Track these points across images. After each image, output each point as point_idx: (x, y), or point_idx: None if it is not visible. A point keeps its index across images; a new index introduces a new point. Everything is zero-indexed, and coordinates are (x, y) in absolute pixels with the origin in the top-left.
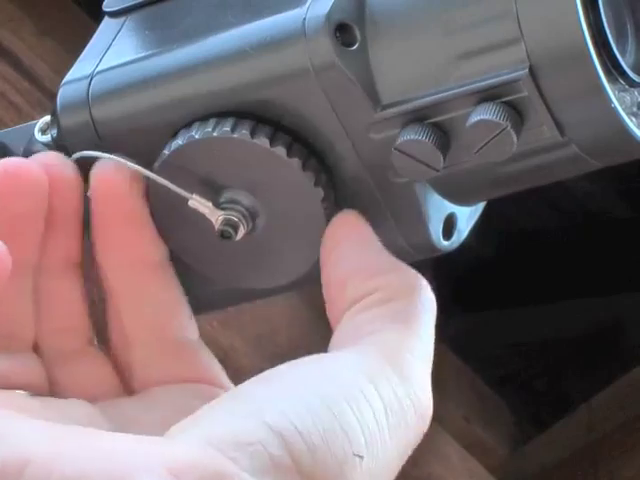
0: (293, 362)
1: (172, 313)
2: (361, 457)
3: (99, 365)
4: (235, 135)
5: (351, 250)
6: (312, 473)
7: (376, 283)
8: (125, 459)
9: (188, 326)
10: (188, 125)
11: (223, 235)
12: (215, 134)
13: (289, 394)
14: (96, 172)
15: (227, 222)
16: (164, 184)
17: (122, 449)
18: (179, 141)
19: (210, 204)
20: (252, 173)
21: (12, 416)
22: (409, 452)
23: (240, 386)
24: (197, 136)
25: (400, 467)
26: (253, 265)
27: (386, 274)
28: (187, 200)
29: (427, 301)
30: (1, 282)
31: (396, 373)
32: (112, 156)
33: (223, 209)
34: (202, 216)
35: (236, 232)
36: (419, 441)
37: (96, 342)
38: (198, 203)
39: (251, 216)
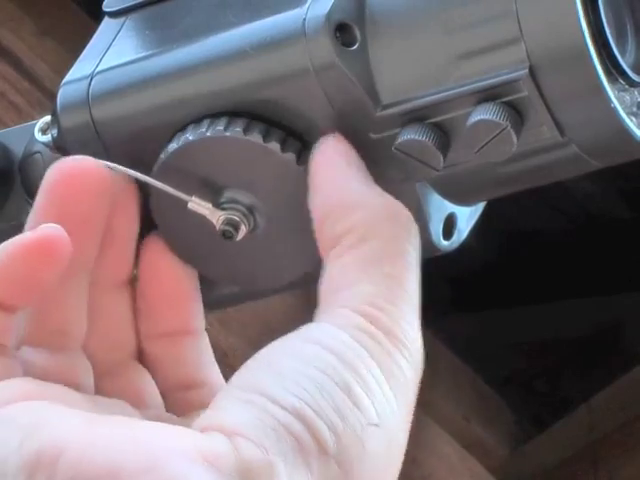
0: (283, 338)
1: (204, 373)
2: (376, 425)
3: (141, 379)
4: (228, 133)
5: (327, 182)
6: (336, 450)
7: (350, 222)
8: (158, 446)
9: (214, 373)
10: (183, 128)
11: (225, 235)
12: (209, 134)
13: (293, 373)
14: (145, 249)
15: (228, 222)
16: (163, 188)
17: (155, 437)
18: (174, 144)
19: (210, 205)
20: (251, 172)
21: (47, 406)
22: (412, 409)
23: (241, 373)
24: (191, 137)
25: (409, 425)
26: (256, 264)
27: (359, 209)
28: (187, 203)
29: (403, 238)
30: (61, 264)
31: (382, 331)
32: (108, 163)
33: (223, 209)
34: (203, 217)
35: (237, 231)
36: (417, 393)
37: None
38: (197, 205)
39: (252, 215)
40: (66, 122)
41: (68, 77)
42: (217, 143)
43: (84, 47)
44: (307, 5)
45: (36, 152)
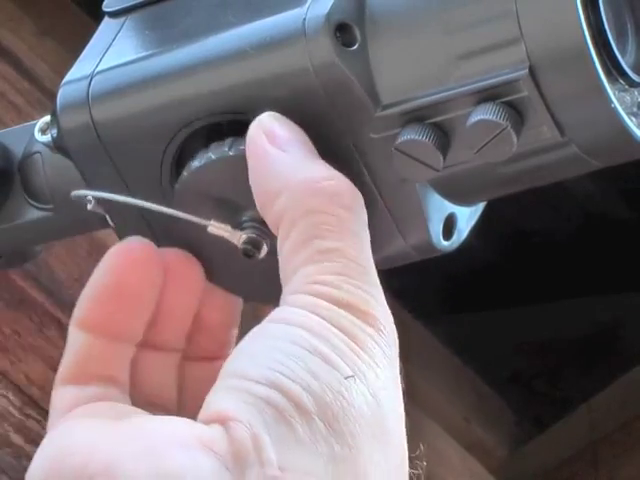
0: (254, 328)
1: None
2: (352, 377)
3: None
4: (232, 153)
5: (254, 170)
6: (317, 408)
7: (277, 208)
8: (156, 437)
9: None
10: (205, 146)
11: (246, 254)
12: (232, 153)
13: (265, 350)
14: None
15: (249, 241)
16: (181, 216)
17: (152, 429)
18: (196, 162)
19: (229, 227)
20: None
21: (68, 424)
22: (392, 365)
23: (223, 366)
24: (198, 163)
25: (397, 380)
26: (276, 281)
27: (282, 194)
28: (206, 227)
29: (332, 208)
30: (149, 269)
31: (331, 302)
32: (115, 195)
33: (243, 229)
34: (223, 238)
35: (259, 250)
36: (397, 350)
37: None
38: (217, 228)
39: (269, 232)
40: (66, 122)
41: (68, 77)
42: (226, 164)
43: (84, 47)
44: (307, 5)
45: (36, 152)
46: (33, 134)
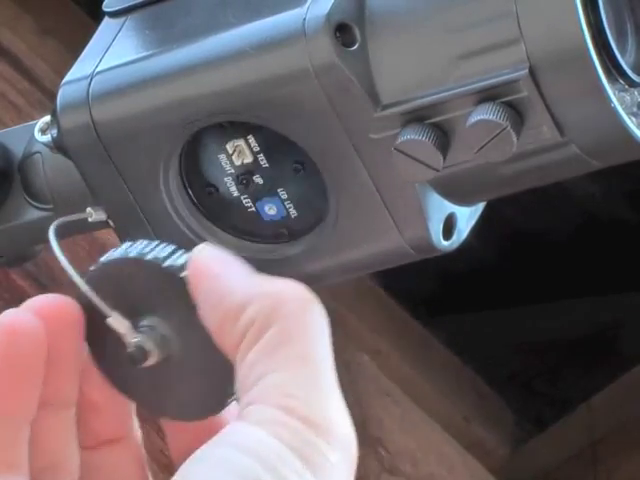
0: (203, 446)
1: None
2: None
3: None
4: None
5: (209, 292)
6: None
7: (243, 321)
8: None
9: None
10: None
11: (132, 359)
12: (149, 257)
13: (214, 476)
14: None
15: (139, 347)
16: (90, 296)
17: None
18: (117, 253)
19: (128, 324)
20: (167, 300)
21: None
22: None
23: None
24: (132, 254)
25: None
26: (164, 393)
27: (248, 306)
28: (107, 316)
29: (301, 316)
30: (34, 342)
31: (299, 420)
32: (74, 274)
33: (141, 332)
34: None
35: (146, 359)
36: (355, 467)
37: None
38: (116, 322)
39: (166, 345)
40: (66, 122)
41: (68, 77)
42: (142, 266)
43: (84, 47)
44: (307, 5)
45: (36, 152)
46: (33, 134)
